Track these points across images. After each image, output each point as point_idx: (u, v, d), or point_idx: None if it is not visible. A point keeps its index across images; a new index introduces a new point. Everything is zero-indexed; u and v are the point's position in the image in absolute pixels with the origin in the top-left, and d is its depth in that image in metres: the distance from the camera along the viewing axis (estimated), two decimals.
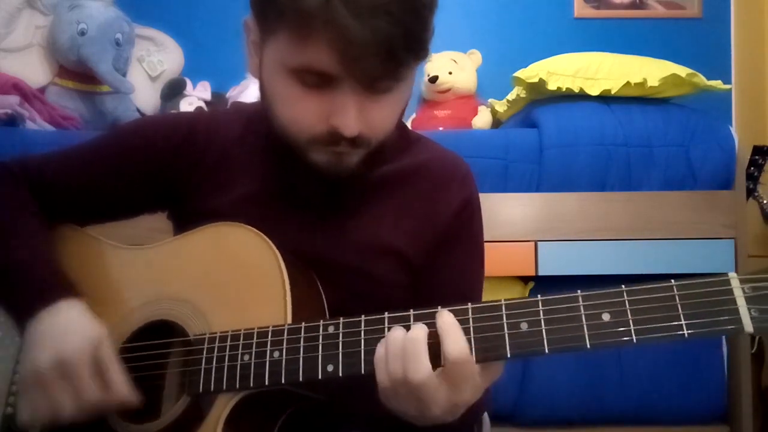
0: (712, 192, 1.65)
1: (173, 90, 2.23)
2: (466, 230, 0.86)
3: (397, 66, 0.69)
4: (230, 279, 0.75)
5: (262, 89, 0.76)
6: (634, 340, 0.57)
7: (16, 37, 2.03)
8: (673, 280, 0.58)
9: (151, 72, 2.24)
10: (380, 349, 0.63)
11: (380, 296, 0.81)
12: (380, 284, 0.82)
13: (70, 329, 0.72)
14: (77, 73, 2.06)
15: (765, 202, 1.86)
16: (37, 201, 0.87)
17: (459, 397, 0.62)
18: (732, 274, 0.57)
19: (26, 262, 0.79)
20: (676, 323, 0.57)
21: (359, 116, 0.70)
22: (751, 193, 1.75)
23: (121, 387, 0.72)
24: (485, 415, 0.95)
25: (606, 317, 0.59)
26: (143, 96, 2.21)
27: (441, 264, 0.85)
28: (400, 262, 0.83)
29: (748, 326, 0.55)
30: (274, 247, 0.74)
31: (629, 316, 0.58)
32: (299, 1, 0.65)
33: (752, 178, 1.76)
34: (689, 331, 0.56)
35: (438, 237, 0.84)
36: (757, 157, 1.77)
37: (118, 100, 2.10)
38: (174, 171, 0.86)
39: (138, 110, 2.17)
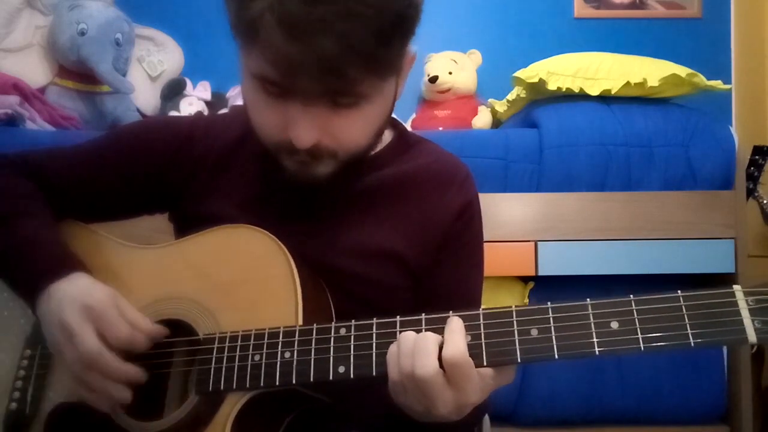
0: (712, 192, 1.65)
1: (173, 90, 2.23)
2: (466, 234, 0.86)
3: (349, 83, 0.67)
4: (240, 280, 0.75)
5: (241, 89, 0.77)
6: (642, 348, 0.59)
7: (16, 37, 2.03)
8: (679, 291, 0.60)
9: (151, 72, 2.24)
10: (393, 347, 0.65)
11: (381, 300, 0.81)
12: (380, 288, 0.82)
13: (89, 287, 0.74)
14: (77, 73, 2.06)
15: (765, 202, 1.87)
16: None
17: (464, 397, 0.63)
18: (737, 287, 0.59)
19: (34, 240, 0.79)
20: (682, 332, 0.59)
21: (314, 128, 0.70)
22: (751, 193, 1.75)
23: (144, 324, 0.73)
24: (485, 416, 0.96)
25: (615, 325, 0.61)
26: (143, 96, 2.21)
27: (441, 267, 0.85)
28: (399, 265, 0.83)
29: (752, 337, 0.57)
30: (285, 249, 0.74)
31: (637, 325, 0.60)
32: (242, 14, 0.65)
33: (752, 178, 1.76)
34: (695, 341, 0.59)
35: (438, 240, 0.84)
36: (757, 157, 1.77)
37: (118, 100, 2.10)
38: (173, 174, 0.86)
39: (138, 110, 2.17)
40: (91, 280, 0.76)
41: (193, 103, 2.20)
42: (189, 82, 2.24)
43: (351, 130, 0.73)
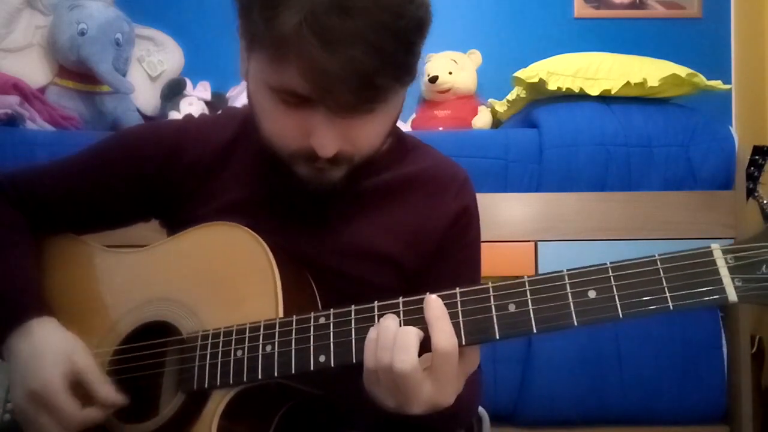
0: (712, 192, 1.65)
1: (173, 90, 2.22)
2: (462, 238, 0.86)
3: (377, 92, 0.68)
4: (220, 276, 0.75)
5: (249, 98, 0.76)
6: (621, 315, 0.58)
7: (16, 37, 2.03)
8: (656, 254, 0.59)
9: (151, 72, 2.24)
10: (372, 334, 0.64)
11: (374, 299, 0.81)
12: (374, 290, 0.81)
13: (38, 355, 0.72)
14: (77, 73, 2.06)
15: (765, 202, 1.86)
16: (21, 213, 0.87)
17: (441, 395, 0.62)
18: (715, 246, 0.57)
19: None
20: (660, 296, 0.57)
21: (337, 136, 0.69)
22: (751, 193, 1.75)
23: (106, 393, 0.72)
24: (485, 415, 0.95)
25: (592, 294, 0.60)
26: (143, 96, 2.21)
27: (437, 272, 0.85)
28: (394, 269, 0.83)
29: (732, 296, 0.56)
30: (264, 243, 0.74)
31: (615, 292, 0.59)
32: (272, 28, 0.64)
33: (752, 178, 1.76)
34: (674, 303, 0.57)
35: (434, 245, 0.84)
36: (757, 157, 1.77)
37: (118, 100, 2.10)
38: (164, 180, 0.86)
39: (138, 110, 2.17)
40: (44, 332, 0.74)
41: (193, 103, 2.20)
42: (189, 82, 2.24)
43: (369, 135, 0.73)
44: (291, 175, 0.75)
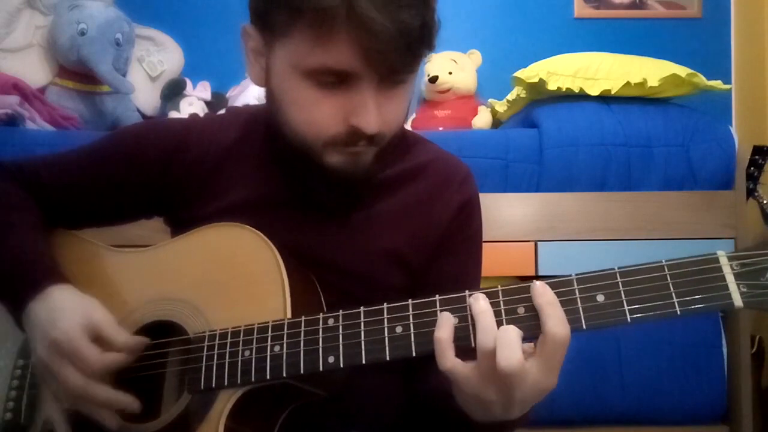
0: (712, 192, 1.65)
1: (173, 90, 2.22)
2: (463, 231, 0.86)
3: (414, 57, 0.70)
4: (228, 277, 0.75)
5: (271, 95, 0.76)
6: (629, 320, 0.59)
7: (16, 37, 2.03)
8: (664, 260, 0.60)
9: (151, 72, 2.24)
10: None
11: (378, 299, 0.81)
12: (379, 287, 0.82)
13: (57, 311, 0.73)
14: (77, 73, 2.06)
15: (765, 202, 1.86)
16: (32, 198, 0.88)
17: (547, 380, 0.60)
18: (721, 252, 0.58)
19: (13, 256, 0.80)
20: (668, 301, 0.58)
21: (378, 112, 0.70)
22: (751, 193, 1.75)
23: (125, 339, 0.73)
24: None
25: (600, 298, 0.60)
26: (143, 96, 2.21)
27: (439, 266, 0.85)
28: (399, 264, 0.83)
29: (738, 301, 0.57)
30: (271, 245, 0.74)
31: (623, 297, 0.60)
32: (318, 2, 0.64)
33: (752, 178, 1.76)
34: (681, 309, 0.58)
35: (437, 239, 0.84)
36: (757, 157, 1.77)
37: (118, 100, 2.10)
38: (168, 178, 0.86)
39: (138, 110, 2.17)
40: (61, 295, 0.76)
41: (193, 103, 2.20)
42: (189, 82, 2.24)
43: (398, 111, 0.74)
44: (317, 169, 0.74)
